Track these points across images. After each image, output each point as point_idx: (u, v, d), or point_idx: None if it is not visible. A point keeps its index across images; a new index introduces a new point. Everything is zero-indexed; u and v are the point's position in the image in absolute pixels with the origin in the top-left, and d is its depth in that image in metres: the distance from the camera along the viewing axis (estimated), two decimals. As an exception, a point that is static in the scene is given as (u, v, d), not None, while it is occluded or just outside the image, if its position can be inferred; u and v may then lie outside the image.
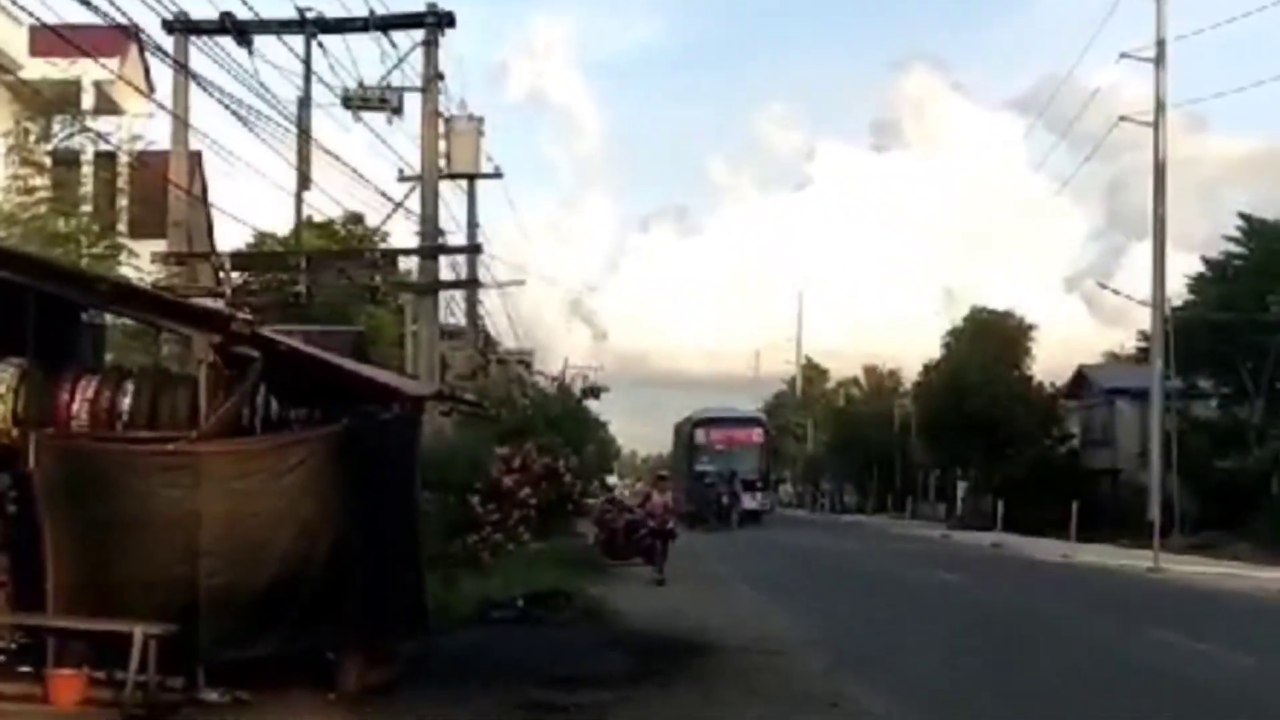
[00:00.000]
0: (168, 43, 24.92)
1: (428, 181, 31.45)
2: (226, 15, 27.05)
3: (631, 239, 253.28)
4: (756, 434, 70.44)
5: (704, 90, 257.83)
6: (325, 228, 46.32)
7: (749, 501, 63.59)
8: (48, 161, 26.21)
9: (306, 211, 32.03)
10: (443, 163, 33.18)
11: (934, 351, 79.02)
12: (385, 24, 29.97)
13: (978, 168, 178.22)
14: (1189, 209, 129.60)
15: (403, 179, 33.75)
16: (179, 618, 12.60)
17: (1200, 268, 54.63)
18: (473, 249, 38.82)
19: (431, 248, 31.23)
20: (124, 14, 20.63)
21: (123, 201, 28.89)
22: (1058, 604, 26.44)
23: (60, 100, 27.50)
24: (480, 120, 35.48)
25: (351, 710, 12.72)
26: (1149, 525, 40.54)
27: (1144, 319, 50.99)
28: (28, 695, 12.60)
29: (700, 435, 68.82)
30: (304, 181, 29.18)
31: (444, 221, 34.05)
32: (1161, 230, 47.59)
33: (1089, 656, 18.21)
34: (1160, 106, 46.50)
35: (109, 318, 16.79)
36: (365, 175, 32.83)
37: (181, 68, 24.40)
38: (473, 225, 42.00)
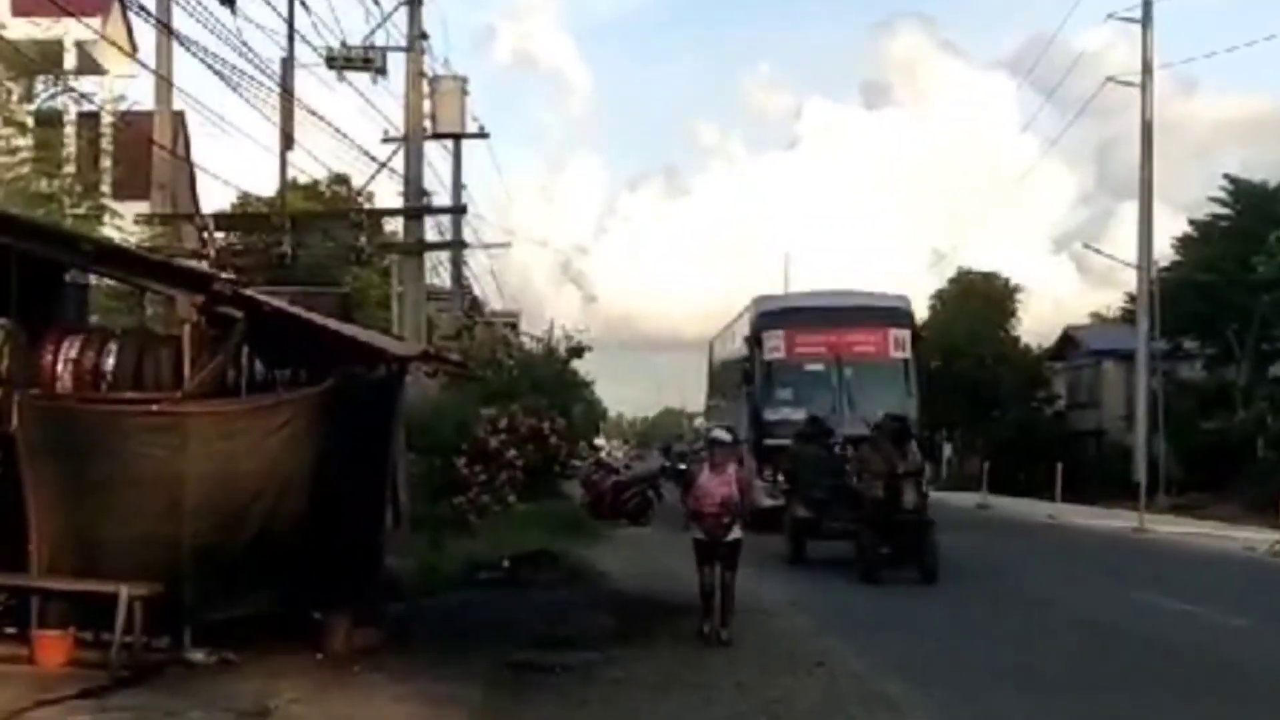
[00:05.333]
0: (150, 2, 24.69)
1: (412, 142, 31.35)
2: (210, -27, 26.81)
3: (620, 201, 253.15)
4: (896, 338, 33.80)
5: (692, 51, 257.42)
6: (310, 189, 46.14)
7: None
8: (30, 122, 26.06)
9: (291, 172, 31.89)
10: (428, 124, 33.05)
11: (921, 312, 78.90)
12: (369, -17, 29.83)
13: (967, 128, 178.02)
14: (1179, 171, 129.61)
15: (387, 140, 33.63)
16: (164, 578, 12.59)
17: (1187, 229, 54.66)
18: (458, 210, 38.69)
19: (416, 208, 31.13)
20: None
21: (106, 162, 28.77)
22: (1043, 565, 26.52)
23: (43, 60, 27.33)
24: (465, 80, 35.30)
25: (338, 670, 12.72)
26: (1134, 486, 40.65)
27: (1131, 281, 51.03)
28: (13, 656, 12.60)
29: (776, 343, 33.56)
30: (288, 142, 28.99)
31: (429, 183, 34.01)
32: (1148, 192, 47.60)
33: (1074, 618, 18.25)
34: (1147, 68, 46.44)
35: (93, 278, 16.72)
36: (350, 136, 32.63)
37: (164, 27, 24.17)
38: (458, 186, 41.90)
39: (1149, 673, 14.39)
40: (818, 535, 24.66)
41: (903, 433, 23.42)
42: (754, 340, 33.84)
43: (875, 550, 21.81)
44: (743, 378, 34.40)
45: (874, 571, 21.48)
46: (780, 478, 27.14)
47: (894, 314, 34.45)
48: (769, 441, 30.83)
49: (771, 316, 34.53)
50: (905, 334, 33.85)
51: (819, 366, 32.58)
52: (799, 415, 29.57)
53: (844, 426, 27.60)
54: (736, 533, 15.45)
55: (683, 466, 55.07)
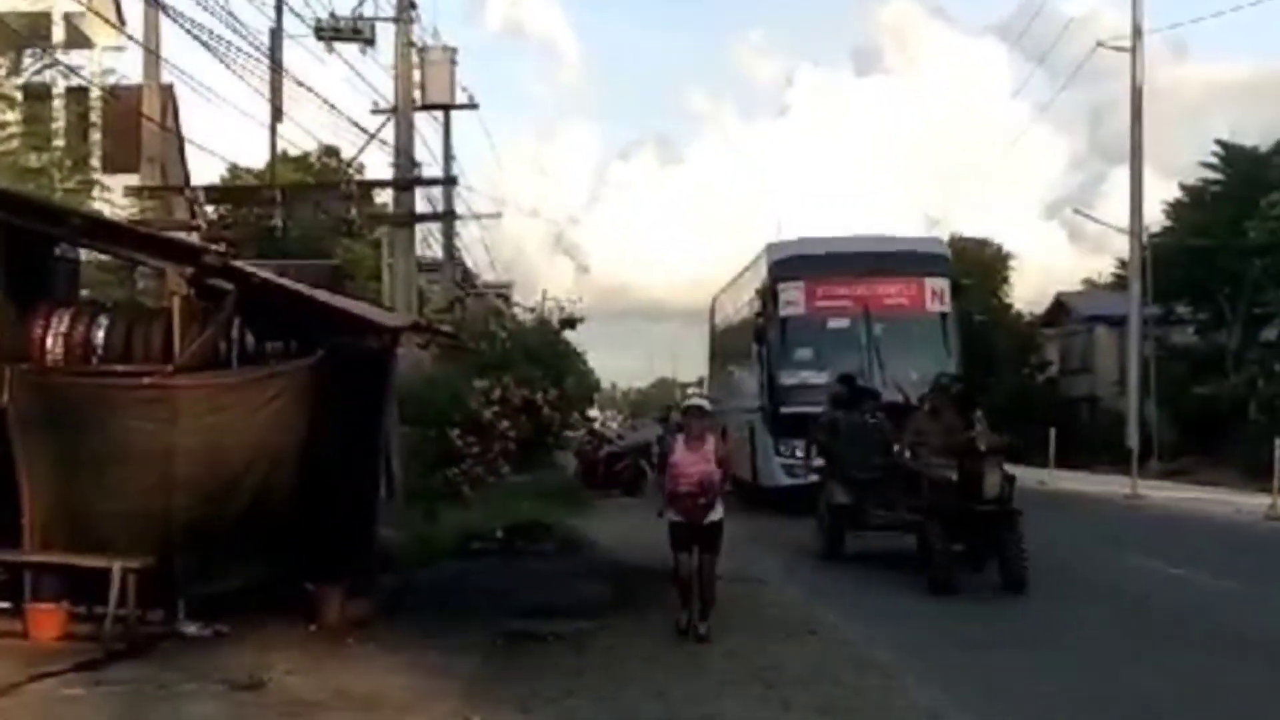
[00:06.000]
0: (137, -26, 24.63)
1: (402, 113, 31.24)
2: (197, -54, 26.71)
3: (611, 169, 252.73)
4: (933, 290, 29.60)
5: (682, 18, 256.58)
6: (300, 161, 46.08)
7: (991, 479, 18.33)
8: (18, 96, 25.99)
9: (281, 144, 31.84)
10: (417, 94, 32.95)
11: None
12: (357, -47, 29.73)
13: (958, 94, 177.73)
14: (1170, 136, 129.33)
15: (377, 111, 33.54)
16: (156, 551, 12.63)
17: (1178, 194, 54.60)
18: (448, 181, 38.56)
19: (406, 180, 31.05)
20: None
21: (95, 136, 28.73)
22: (1034, 530, 26.51)
23: (30, 33, 27.24)
24: (454, 50, 35.17)
25: (332, 642, 12.76)
26: (1127, 452, 40.67)
27: (1123, 246, 50.94)
28: (7, 630, 12.65)
29: (794, 296, 29.33)
30: (277, 114, 28.96)
31: (420, 154, 33.91)
32: (1139, 157, 47.47)
33: (1068, 582, 18.29)
34: (1137, 32, 46.24)
35: (83, 252, 16.69)
36: (339, 107, 32.64)
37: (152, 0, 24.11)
38: (448, 157, 41.79)
39: (1138, 631, 14.49)
40: (859, 525, 20.14)
41: (967, 398, 20.12)
42: (768, 293, 29.29)
43: (947, 550, 17.13)
44: (755, 337, 29.70)
45: (947, 579, 16.85)
46: (807, 453, 22.18)
47: (930, 261, 29.92)
48: (786, 410, 27.67)
49: (788, 265, 29.61)
50: (943, 284, 29.34)
51: (844, 323, 28.56)
52: (820, 379, 26.32)
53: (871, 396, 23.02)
54: (717, 513, 13.72)
55: None
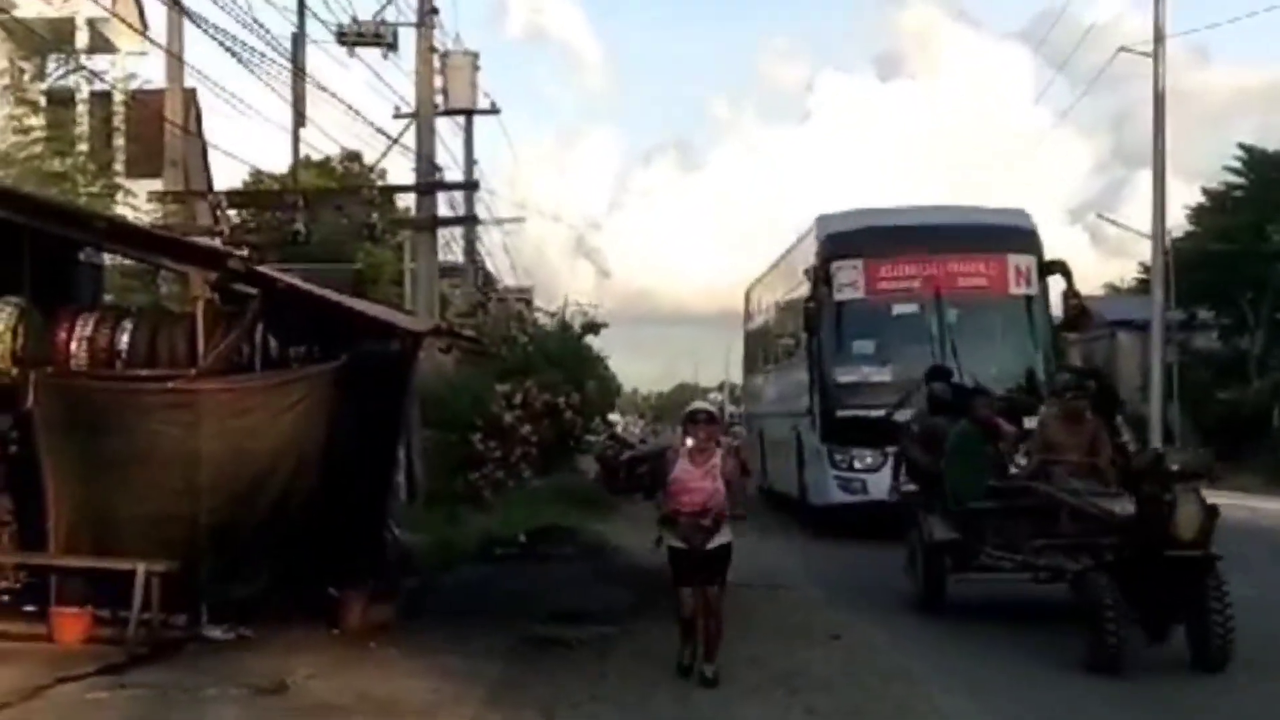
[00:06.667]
0: (161, -20, 24.68)
1: (424, 117, 31.30)
2: (220, -49, 26.80)
3: (633, 176, 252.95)
4: (1018, 269, 24.69)
5: (705, 24, 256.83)
6: (323, 166, 46.19)
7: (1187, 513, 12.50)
8: (43, 100, 26.12)
9: (303, 149, 31.90)
10: (439, 99, 33.01)
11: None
12: (379, -41, 29.81)
13: (981, 99, 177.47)
14: (1192, 140, 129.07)
15: (399, 115, 33.58)
16: (180, 555, 12.66)
17: (1201, 199, 54.47)
18: (470, 185, 38.67)
19: (428, 184, 31.11)
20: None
21: (118, 140, 28.82)
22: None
23: (54, 38, 27.36)
24: (476, 55, 35.21)
25: (355, 646, 12.78)
26: (1150, 457, 40.50)
27: (1145, 250, 50.76)
28: (32, 634, 12.68)
29: (851, 277, 24.53)
30: (300, 119, 29.03)
31: (441, 159, 33.95)
32: (1161, 161, 47.28)
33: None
34: (1159, 36, 46.07)
35: (107, 257, 16.75)
36: (362, 112, 32.70)
37: (176, 4, 24.19)
38: (470, 161, 41.83)
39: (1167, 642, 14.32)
40: (966, 567, 15.36)
41: (1110, 398, 16.14)
42: (820, 274, 24.48)
43: (1121, 612, 12.17)
44: (805, 325, 24.89)
45: (1117, 653, 12.02)
46: (895, 473, 17.76)
47: (1014, 235, 25.00)
48: (842, 413, 23.64)
49: (845, 241, 24.80)
50: (1029, 262, 24.55)
51: (911, 308, 24.08)
52: (883, 375, 23.20)
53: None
54: (724, 536, 11.81)
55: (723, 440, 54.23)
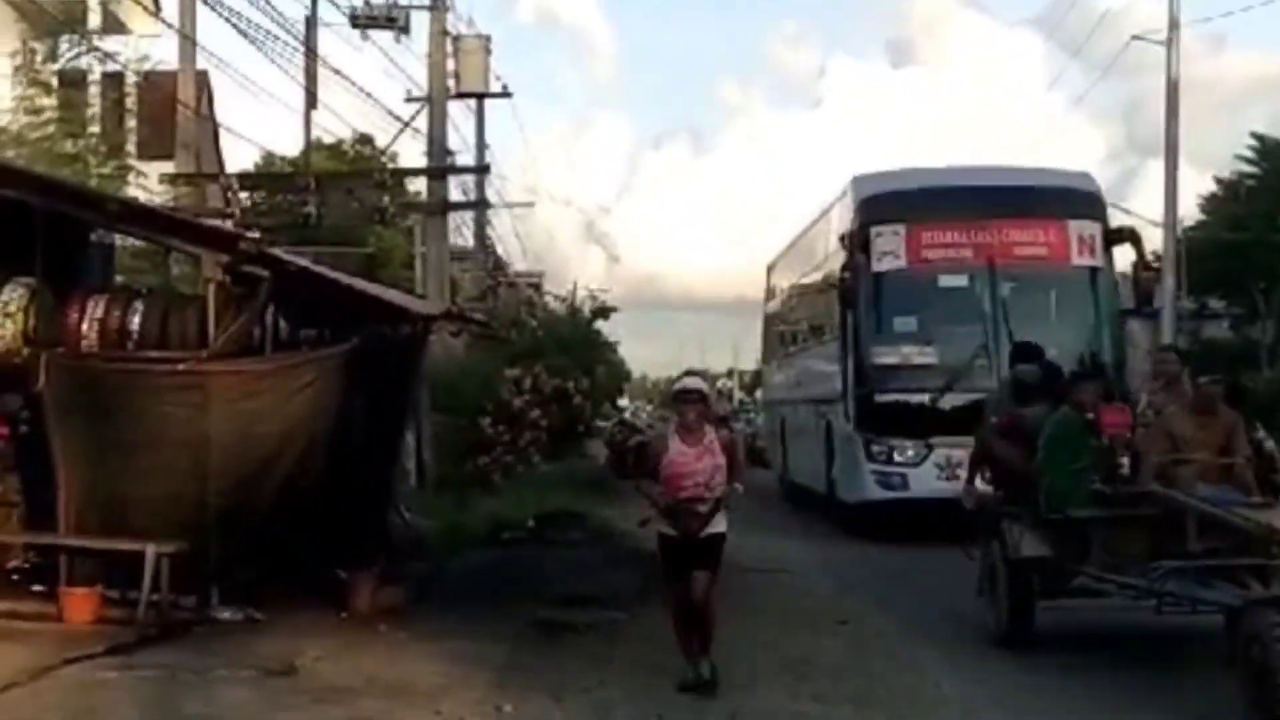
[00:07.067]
0: (173, -40, 24.68)
1: (436, 101, 31.26)
2: (233, -67, 26.82)
3: (643, 160, 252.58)
4: (1081, 236, 21.73)
5: (716, 9, 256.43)
6: (334, 149, 46.15)
7: None
8: (55, 82, 26.11)
9: (315, 132, 31.94)
10: (451, 83, 32.97)
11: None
12: (392, -60, 29.78)
13: (993, 86, 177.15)
14: (1205, 129, 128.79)
15: (411, 99, 33.55)
16: (190, 537, 12.68)
17: (1214, 188, 54.34)
18: (480, 169, 38.63)
19: (439, 168, 31.07)
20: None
21: (130, 122, 28.83)
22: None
23: (67, 19, 27.34)
24: (488, 39, 35.17)
25: (364, 629, 12.80)
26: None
27: (1157, 239, 50.66)
28: (42, 614, 12.71)
29: (892, 244, 21.52)
30: (312, 101, 29.04)
31: (453, 143, 33.92)
32: (1174, 150, 47.17)
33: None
34: (1174, 24, 45.99)
35: (118, 238, 16.76)
36: (374, 95, 32.62)
37: (188, -14, 24.18)
38: (481, 146, 41.81)
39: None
40: (1058, 592, 12.30)
41: (1237, 390, 13.85)
42: (856, 242, 21.57)
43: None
44: (839, 300, 22.01)
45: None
46: (972, 473, 13.95)
47: (1077, 199, 22.17)
48: (881, 398, 21.19)
49: (884, 204, 22.00)
50: (1094, 230, 21.71)
51: (960, 280, 21.43)
52: (928, 357, 20.82)
53: (1001, 371, 17.66)
54: (719, 525, 10.96)
55: (736, 426, 53.19)
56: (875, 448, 20.99)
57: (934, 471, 20.01)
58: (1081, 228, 21.63)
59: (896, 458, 20.74)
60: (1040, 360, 14.50)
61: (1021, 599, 12.50)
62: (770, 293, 34.42)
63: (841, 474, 22.85)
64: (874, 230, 21.48)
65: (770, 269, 34.26)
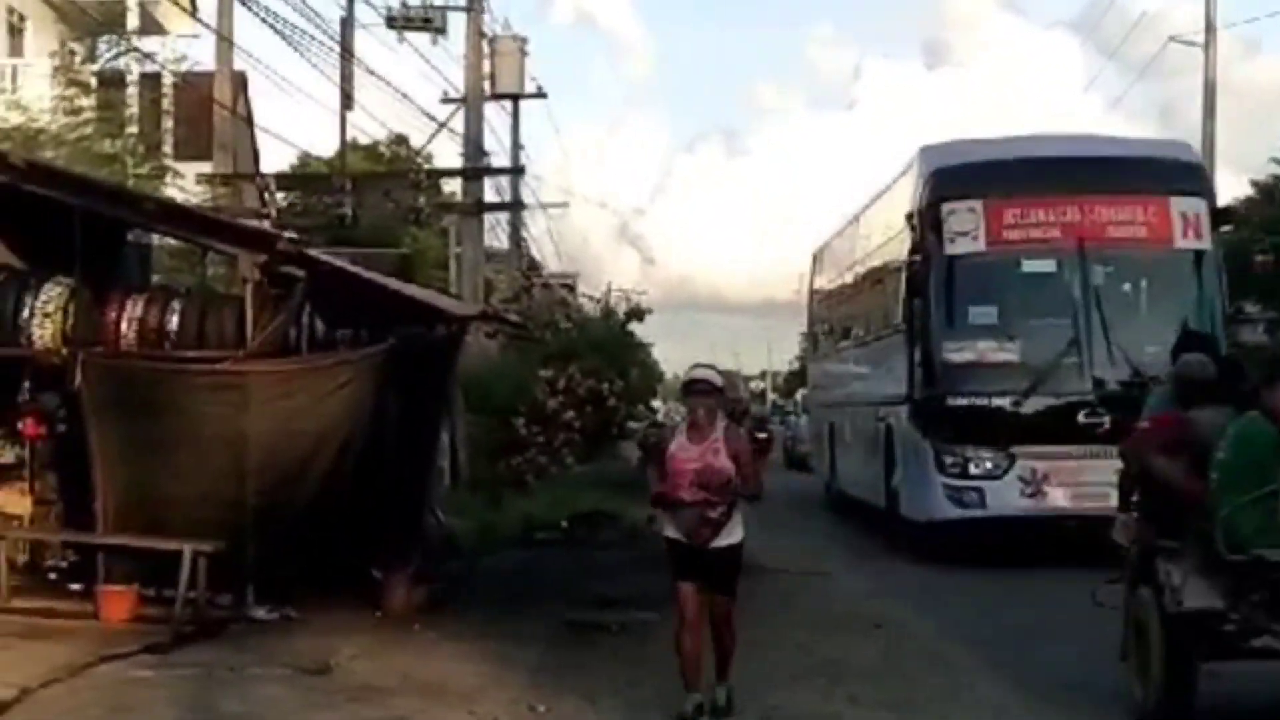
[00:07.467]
0: (211, -38, 24.85)
1: (471, 102, 31.36)
2: (270, -65, 26.95)
3: (677, 162, 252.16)
4: (1185, 215, 18.73)
5: (751, 11, 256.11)
6: (370, 149, 46.29)
7: None
8: (93, 82, 26.28)
9: (351, 133, 32.10)
10: (486, 84, 33.05)
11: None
12: (428, -58, 29.92)
13: (1029, 87, 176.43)
14: (1242, 132, 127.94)
15: (446, 100, 33.65)
16: (226, 536, 12.74)
17: (1250, 191, 54.06)
18: (516, 170, 38.71)
19: (475, 169, 31.19)
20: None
21: (168, 123, 28.99)
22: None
23: (105, 20, 27.52)
24: (524, 40, 35.26)
25: (398, 628, 12.85)
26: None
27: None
28: (80, 612, 12.82)
29: (967, 223, 18.54)
30: (348, 102, 29.17)
31: (488, 144, 34.00)
32: (1211, 153, 46.99)
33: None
34: (1210, 27, 45.87)
35: (155, 238, 16.86)
36: (409, 96, 32.81)
37: (225, -13, 24.32)
38: (516, 147, 41.86)
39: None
40: (1234, 651, 9.39)
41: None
42: (925, 221, 18.98)
43: None
44: (906, 288, 19.53)
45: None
46: (1124, 497, 10.76)
47: (1179, 172, 19.44)
48: (955, 401, 18.38)
49: (958, 178, 19.16)
50: (1199, 207, 18.96)
51: (1046, 264, 18.69)
52: (1009, 353, 18.19)
53: (1094, 370, 17.29)
54: (733, 535, 9.80)
55: (762, 435, 52.30)
56: (947, 458, 18.16)
57: (1016, 487, 17.74)
58: (1185, 205, 18.81)
59: (972, 470, 18.01)
60: (1212, 351, 11.30)
61: (1181, 663, 9.48)
62: (815, 285, 31.92)
63: (905, 487, 19.88)
64: (946, 208, 18.76)
65: (817, 257, 31.54)
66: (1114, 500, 11.03)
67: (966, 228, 18.53)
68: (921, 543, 19.09)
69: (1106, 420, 16.63)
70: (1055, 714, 10.63)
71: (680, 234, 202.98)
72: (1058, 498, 17.61)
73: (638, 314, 34.00)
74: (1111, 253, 18.67)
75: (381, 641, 12.28)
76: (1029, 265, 18.71)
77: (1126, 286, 19.34)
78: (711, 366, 10.67)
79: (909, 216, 19.50)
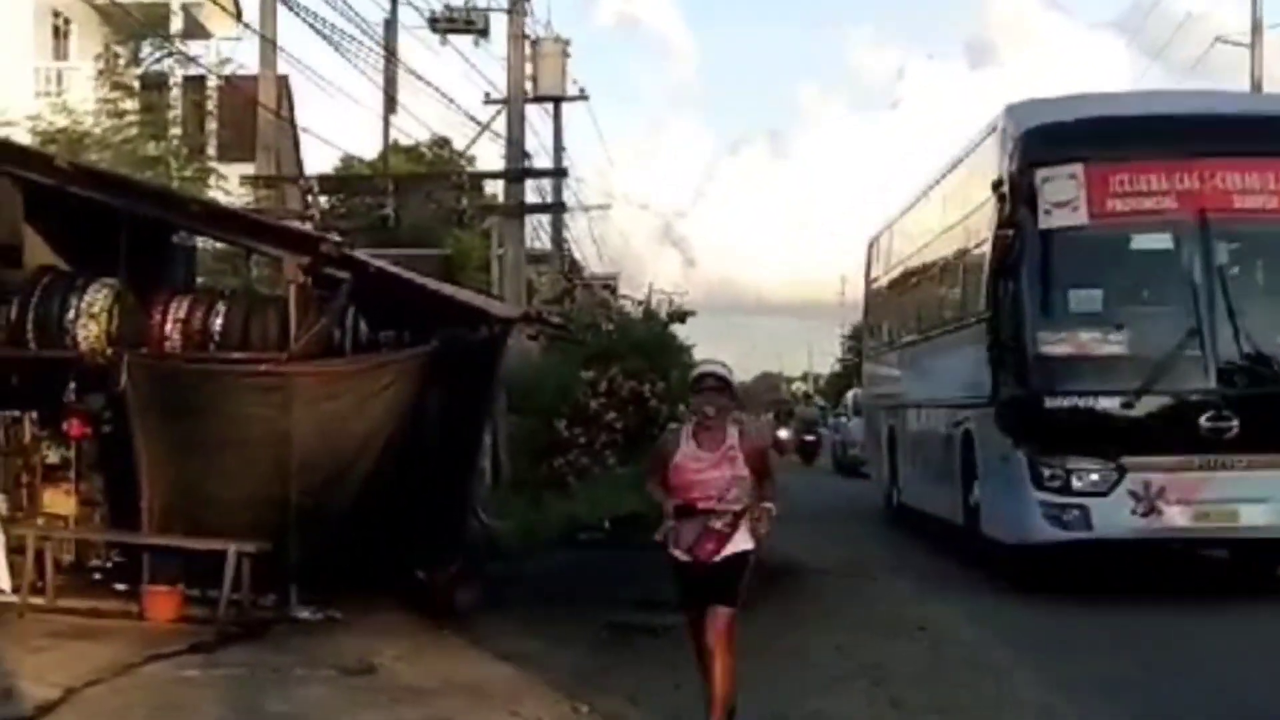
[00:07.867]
0: (255, -35, 24.96)
1: (513, 104, 31.40)
2: (313, -63, 27.07)
3: (720, 164, 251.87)
4: None
5: (794, 12, 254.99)
6: (412, 151, 46.43)
7: None
8: (137, 85, 26.45)
9: (394, 135, 32.18)
10: (529, 86, 33.10)
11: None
12: (471, -55, 30.00)
13: (1074, 88, 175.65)
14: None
15: (489, 102, 33.73)
16: (270, 536, 12.78)
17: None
18: (558, 172, 38.76)
19: (517, 170, 31.22)
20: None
21: (211, 125, 29.18)
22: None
23: (149, 23, 27.67)
24: (566, 42, 35.32)
25: (441, 629, 12.85)
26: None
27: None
28: (125, 612, 12.88)
29: (1066, 192, 15.19)
30: (391, 105, 29.27)
31: (530, 146, 34.07)
32: (1257, 154, 46.81)
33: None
34: (1257, 28, 45.57)
35: (200, 240, 16.93)
36: (452, 98, 32.89)
37: (269, -10, 24.42)
38: (559, 149, 41.93)
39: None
40: None
41: None
42: (1016, 189, 15.91)
43: None
44: (992, 270, 16.47)
45: None
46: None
47: None
48: (1054, 402, 15.34)
49: (1057, 139, 15.98)
50: None
51: (1161, 241, 15.96)
52: (1116, 345, 15.29)
53: (1219, 365, 14.85)
54: (740, 543, 8.71)
55: (810, 439, 51.72)
56: (1044, 471, 15.25)
57: (1127, 504, 14.94)
58: None
59: (1075, 484, 15.11)
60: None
61: None
62: (871, 273, 28.76)
63: (991, 504, 17.10)
64: (1041, 174, 15.63)
65: (874, 243, 28.37)
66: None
67: (1065, 197, 15.52)
68: (1009, 567, 16.56)
69: (1235, 424, 14.50)
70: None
71: (722, 236, 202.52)
72: (1175, 516, 14.81)
73: (680, 316, 33.99)
74: (1238, 226, 15.74)
75: (424, 643, 12.30)
76: (1140, 241, 16.14)
77: (1257, 266, 16.45)
78: (724, 364, 9.17)
79: (995, 185, 16.49)
